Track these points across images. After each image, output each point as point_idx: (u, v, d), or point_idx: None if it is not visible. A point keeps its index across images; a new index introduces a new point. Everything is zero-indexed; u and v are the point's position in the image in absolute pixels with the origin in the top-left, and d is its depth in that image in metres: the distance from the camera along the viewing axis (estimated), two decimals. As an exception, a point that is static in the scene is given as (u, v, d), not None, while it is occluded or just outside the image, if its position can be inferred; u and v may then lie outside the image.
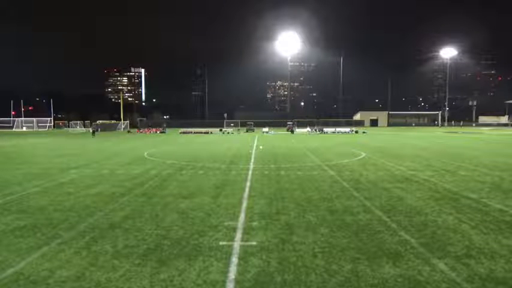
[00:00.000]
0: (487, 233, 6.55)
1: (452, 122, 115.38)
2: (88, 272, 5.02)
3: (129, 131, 63.41)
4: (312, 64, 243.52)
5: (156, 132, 63.15)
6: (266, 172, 13.95)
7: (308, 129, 63.76)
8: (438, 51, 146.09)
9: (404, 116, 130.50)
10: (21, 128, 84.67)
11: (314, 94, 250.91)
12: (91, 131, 51.20)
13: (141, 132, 63.66)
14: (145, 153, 21.68)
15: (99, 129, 50.21)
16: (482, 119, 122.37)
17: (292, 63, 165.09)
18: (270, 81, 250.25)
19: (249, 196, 9.66)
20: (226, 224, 7.18)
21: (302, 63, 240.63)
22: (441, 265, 5.17)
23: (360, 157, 19.27)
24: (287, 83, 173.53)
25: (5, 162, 18.31)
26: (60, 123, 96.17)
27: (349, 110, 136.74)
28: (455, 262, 5.28)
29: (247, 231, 6.69)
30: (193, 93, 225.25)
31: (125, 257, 5.52)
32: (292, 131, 59.80)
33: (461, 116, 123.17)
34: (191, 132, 57.82)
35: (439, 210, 8.19)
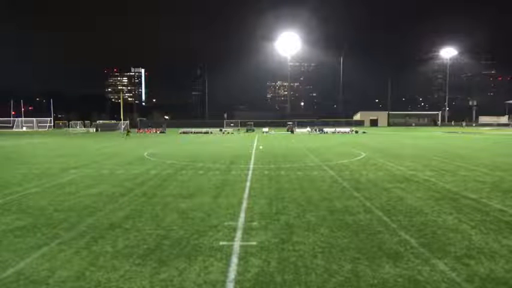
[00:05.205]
0: (487, 233, 6.55)
1: (452, 122, 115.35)
2: (88, 272, 5.02)
3: (128, 131, 63.34)
4: (312, 64, 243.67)
5: (156, 132, 63.14)
6: (266, 172, 13.95)
7: (308, 129, 63.77)
8: (438, 51, 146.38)
9: (404, 116, 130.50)
10: (21, 128, 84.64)
11: (314, 94, 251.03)
12: (125, 131, 50.95)
13: (141, 132, 63.62)
14: (145, 153, 21.67)
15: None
16: (482, 119, 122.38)
17: (292, 63, 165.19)
18: (270, 81, 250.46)
19: (249, 196, 9.66)
20: (226, 224, 7.18)
21: (302, 63, 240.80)
22: (441, 265, 5.17)
23: (360, 157, 19.27)
24: (287, 83, 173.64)
25: (5, 162, 18.30)
26: (60, 123, 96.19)
27: (349, 110, 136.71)
28: (455, 262, 5.28)
29: (247, 231, 6.68)
30: (193, 93, 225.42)
31: (125, 257, 5.51)
32: (292, 131, 59.77)
33: (461, 116, 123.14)
34: (191, 132, 57.82)
35: (439, 210, 8.18)
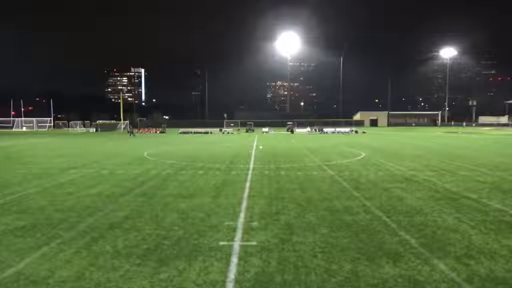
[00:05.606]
0: (487, 233, 6.55)
1: (452, 122, 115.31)
2: (88, 272, 5.02)
3: (129, 132, 63.68)
4: (312, 64, 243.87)
5: (156, 132, 63.11)
6: (266, 172, 13.94)
7: (308, 129, 63.74)
8: (438, 51, 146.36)
9: (404, 116, 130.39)
10: (21, 128, 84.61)
11: (314, 94, 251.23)
12: (128, 131, 50.55)
13: (141, 132, 63.60)
14: (145, 153, 21.67)
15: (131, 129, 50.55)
16: (482, 119, 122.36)
17: (292, 63, 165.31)
18: (270, 81, 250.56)
19: (249, 196, 9.66)
20: (226, 224, 7.18)
21: (302, 63, 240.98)
22: (441, 265, 5.17)
23: (359, 157, 19.27)
24: (287, 83, 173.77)
25: (5, 162, 18.30)
26: (60, 123, 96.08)
27: (349, 110, 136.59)
28: (455, 262, 5.28)
29: (247, 231, 6.68)
30: (193, 93, 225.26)
31: (125, 257, 5.51)
32: (292, 131, 59.74)
33: (461, 116, 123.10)
34: (191, 132, 57.80)
35: (439, 210, 8.18)
